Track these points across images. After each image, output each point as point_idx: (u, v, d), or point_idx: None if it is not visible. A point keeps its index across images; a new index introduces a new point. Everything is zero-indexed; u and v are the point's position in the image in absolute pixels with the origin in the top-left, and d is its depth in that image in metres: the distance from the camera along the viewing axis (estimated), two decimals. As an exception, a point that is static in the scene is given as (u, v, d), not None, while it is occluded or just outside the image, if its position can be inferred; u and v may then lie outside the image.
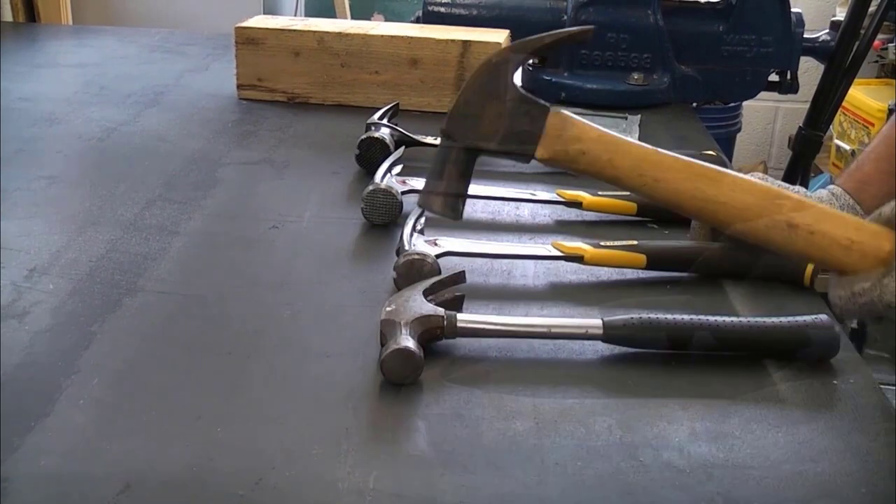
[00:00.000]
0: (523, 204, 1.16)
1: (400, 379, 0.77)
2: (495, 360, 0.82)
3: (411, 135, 1.28)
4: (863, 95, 3.07)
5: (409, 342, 0.76)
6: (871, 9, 1.78)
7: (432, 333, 0.81)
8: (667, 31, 1.62)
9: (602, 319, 0.82)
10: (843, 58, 1.77)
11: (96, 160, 1.30)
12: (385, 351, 0.76)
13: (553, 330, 0.83)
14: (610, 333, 0.82)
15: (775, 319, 0.83)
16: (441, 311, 0.82)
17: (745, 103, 2.74)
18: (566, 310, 0.92)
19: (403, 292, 0.84)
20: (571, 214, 1.13)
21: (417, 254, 0.91)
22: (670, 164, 0.72)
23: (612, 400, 0.78)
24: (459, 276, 0.88)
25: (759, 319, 0.83)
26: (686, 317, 0.83)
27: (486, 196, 1.14)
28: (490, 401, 0.76)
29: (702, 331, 0.83)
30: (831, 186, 1.03)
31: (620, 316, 0.83)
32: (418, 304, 0.82)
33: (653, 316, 0.83)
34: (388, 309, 0.81)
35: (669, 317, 0.83)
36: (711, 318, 0.83)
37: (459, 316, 0.82)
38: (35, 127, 1.41)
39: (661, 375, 0.81)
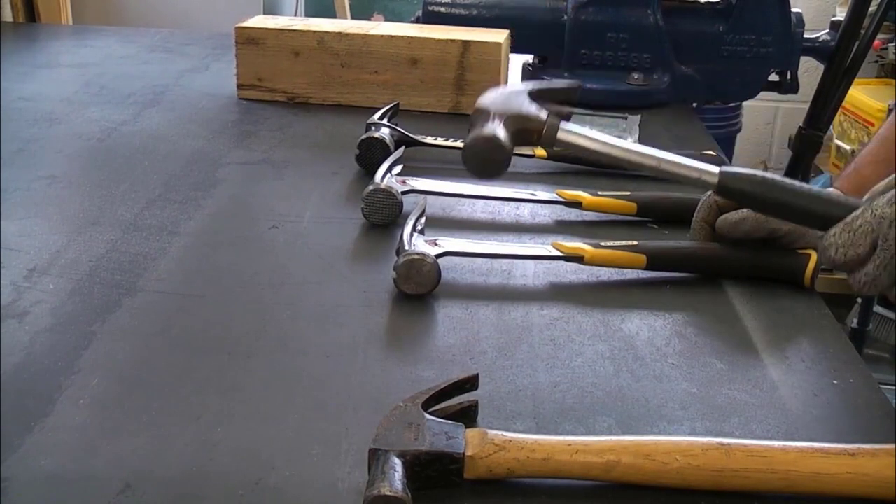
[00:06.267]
0: (523, 204, 1.16)
1: (482, 169, 0.70)
2: (495, 359, 0.82)
3: (411, 135, 1.28)
4: (863, 95, 3.07)
5: (499, 132, 0.68)
6: (871, 9, 1.78)
7: (527, 137, 0.73)
8: (667, 31, 1.62)
9: (720, 169, 0.75)
10: (843, 58, 1.76)
11: (96, 160, 1.30)
12: (470, 137, 0.68)
13: (664, 164, 0.76)
14: (726, 184, 0.74)
15: None
16: (545, 114, 0.73)
17: (745, 103, 2.74)
18: (566, 310, 0.92)
19: (506, 88, 0.76)
20: (571, 214, 1.13)
21: (417, 254, 0.91)
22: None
23: (613, 400, 0.78)
24: (573, 92, 0.80)
25: None
26: (806, 188, 0.76)
27: (486, 196, 1.14)
28: (490, 401, 0.76)
29: (820, 204, 0.76)
30: (830, 189, 1.03)
31: (741, 168, 0.76)
32: (521, 101, 0.74)
33: (777, 177, 0.76)
34: (484, 99, 0.73)
35: (795, 184, 0.76)
36: (837, 196, 0.76)
37: (562, 125, 0.73)
38: (35, 127, 1.41)
39: (662, 375, 0.81)
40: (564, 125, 0.73)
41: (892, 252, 0.70)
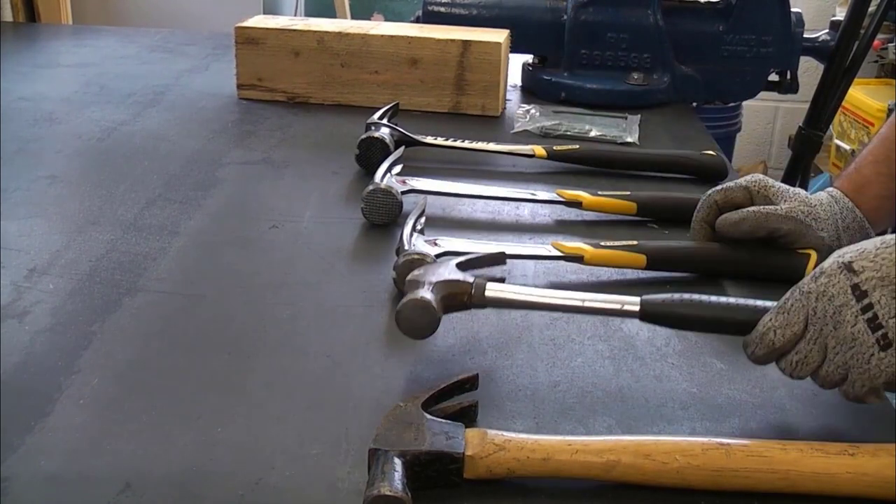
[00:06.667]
0: (523, 204, 1.16)
1: (413, 330, 0.75)
2: (495, 359, 0.82)
3: (411, 135, 1.28)
4: (863, 95, 3.07)
5: (428, 294, 0.74)
6: (871, 9, 1.78)
7: (458, 300, 0.78)
8: (667, 31, 1.62)
9: (640, 298, 0.78)
10: (843, 58, 1.77)
11: (96, 160, 1.30)
12: (401, 302, 0.74)
13: (587, 304, 0.79)
14: (647, 311, 0.77)
15: None
16: (471, 277, 0.79)
17: (745, 103, 2.74)
18: (566, 310, 0.92)
19: (434, 264, 0.81)
20: (571, 214, 1.13)
21: (417, 254, 0.91)
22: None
23: (613, 400, 0.78)
24: (499, 257, 0.85)
25: None
26: (724, 299, 0.78)
27: (486, 196, 1.14)
28: (490, 401, 0.76)
29: (741, 312, 0.78)
30: (830, 189, 1.03)
31: (660, 295, 0.78)
32: (448, 270, 0.79)
33: (695, 296, 0.78)
34: (415, 272, 0.79)
35: (713, 298, 0.78)
36: (751, 302, 0.78)
37: (489, 284, 0.78)
38: (35, 127, 1.41)
39: (662, 375, 0.81)
40: (491, 286, 0.78)
41: (821, 325, 0.72)
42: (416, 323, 0.74)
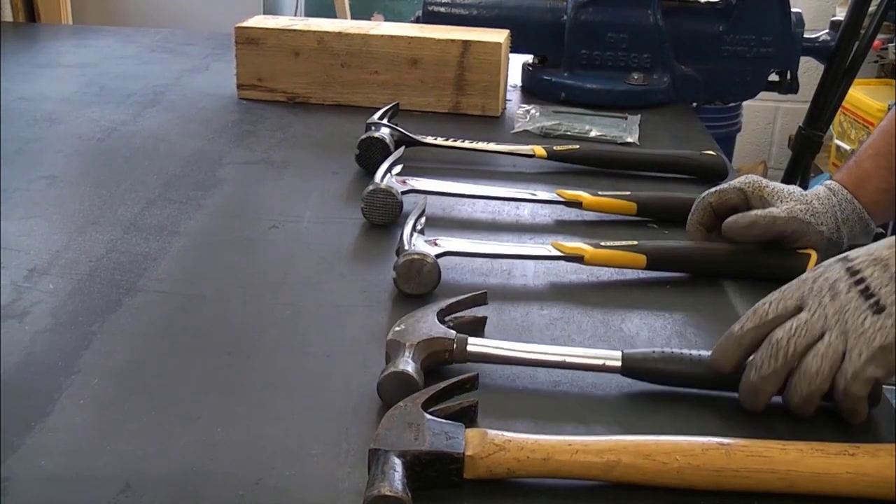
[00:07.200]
0: (523, 204, 1.16)
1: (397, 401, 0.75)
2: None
3: (411, 135, 1.28)
4: (863, 95, 3.08)
5: (408, 366, 0.74)
6: (871, 9, 1.78)
7: (439, 357, 0.78)
8: (667, 31, 1.62)
9: (622, 352, 0.79)
10: (843, 58, 1.77)
11: (96, 160, 1.30)
12: (382, 373, 0.74)
13: (568, 360, 0.79)
14: (629, 366, 0.78)
15: None
16: (452, 333, 0.79)
17: (745, 103, 2.74)
18: (566, 310, 0.92)
19: (416, 311, 0.82)
20: (571, 214, 1.13)
21: (417, 254, 0.91)
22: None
23: (613, 400, 0.78)
24: (480, 298, 0.85)
25: None
26: (705, 354, 0.78)
27: (486, 196, 1.14)
28: (490, 400, 0.76)
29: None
30: (828, 182, 1.02)
31: (640, 350, 0.79)
32: (429, 325, 0.79)
33: (675, 351, 0.79)
34: (396, 329, 0.79)
35: (693, 352, 0.79)
36: None
37: (470, 340, 0.79)
38: (35, 127, 1.41)
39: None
40: (473, 340, 0.78)
41: (819, 297, 0.75)
42: (397, 397, 0.72)
